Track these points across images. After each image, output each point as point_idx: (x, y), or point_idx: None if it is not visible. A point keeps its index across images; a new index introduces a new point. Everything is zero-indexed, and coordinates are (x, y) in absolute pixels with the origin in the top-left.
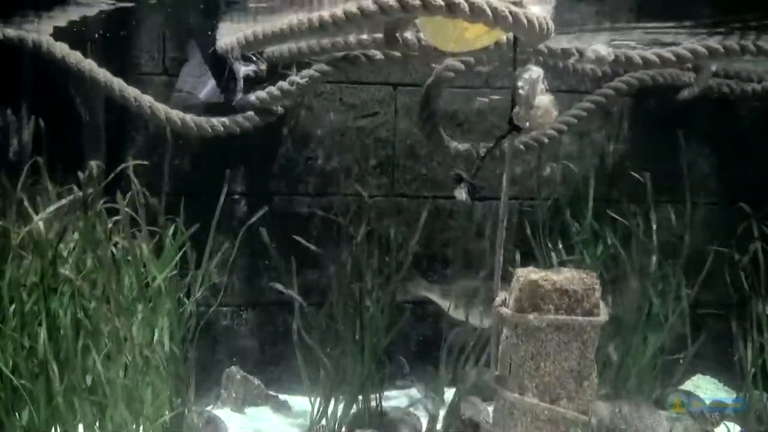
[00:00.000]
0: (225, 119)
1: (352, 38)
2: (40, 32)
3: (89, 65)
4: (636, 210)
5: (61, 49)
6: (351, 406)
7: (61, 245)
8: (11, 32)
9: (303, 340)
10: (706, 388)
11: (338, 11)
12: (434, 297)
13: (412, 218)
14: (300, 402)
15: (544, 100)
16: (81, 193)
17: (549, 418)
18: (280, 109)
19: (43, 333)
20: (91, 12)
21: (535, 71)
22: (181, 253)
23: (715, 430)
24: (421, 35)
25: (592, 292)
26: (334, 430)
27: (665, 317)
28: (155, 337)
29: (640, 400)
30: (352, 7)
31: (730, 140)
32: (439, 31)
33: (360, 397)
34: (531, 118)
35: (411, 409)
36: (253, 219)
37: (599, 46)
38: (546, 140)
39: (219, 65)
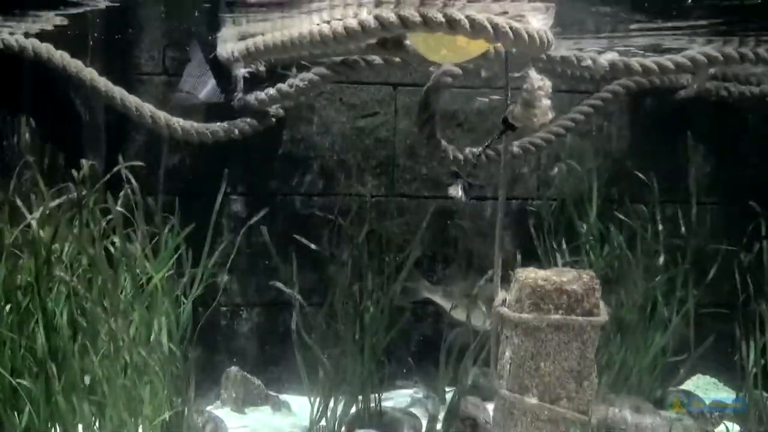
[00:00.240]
0: (225, 124)
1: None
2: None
3: (90, 74)
4: (635, 210)
5: (62, 57)
6: (351, 406)
7: (57, 245)
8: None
9: (303, 340)
10: (706, 388)
11: (339, 26)
12: (436, 298)
13: (412, 218)
14: (300, 402)
15: (542, 101)
16: (75, 193)
17: (549, 418)
18: (280, 111)
19: (40, 333)
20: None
21: (538, 77)
22: (177, 254)
23: (715, 430)
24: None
25: (592, 292)
26: (334, 430)
27: (669, 318)
28: (153, 337)
29: (641, 400)
30: (353, 23)
31: (728, 142)
32: (431, 40)
33: (360, 397)
34: (529, 118)
35: (411, 409)
36: (254, 219)
37: (610, 54)
38: (544, 144)
39: (219, 66)
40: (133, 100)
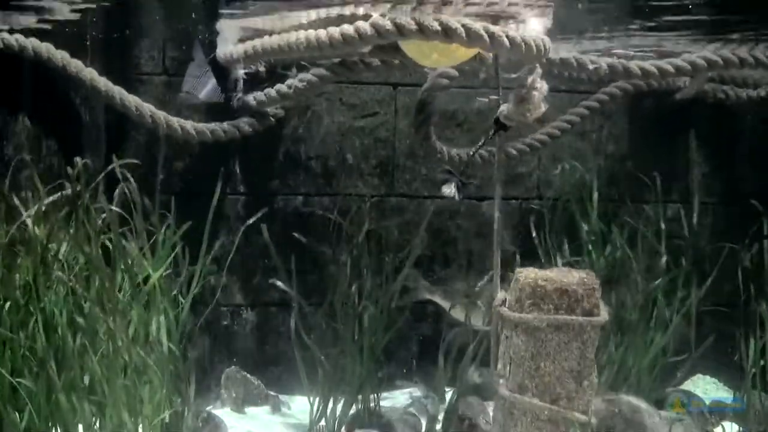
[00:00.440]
0: (225, 124)
1: None
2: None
3: (90, 74)
4: (636, 210)
5: (62, 57)
6: (350, 406)
7: (54, 244)
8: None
9: (302, 340)
10: (706, 388)
11: (335, 32)
12: (435, 298)
13: (412, 218)
14: (300, 402)
15: (535, 96)
16: (69, 190)
17: (549, 418)
18: (280, 111)
19: (40, 332)
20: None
21: (538, 77)
22: (174, 252)
23: (715, 430)
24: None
25: (592, 292)
26: (333, 430)
27: (669, 318)
28: (151, 337)
29: (640, 400)
30: (350, 29)
31: (726, 143)
32: (421, 44)
33: (360, 397)
34: (522, 114)
35: (410, 409)
36: (252, 219)
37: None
38: (539, 145)
39: (219, 66)
40: (132, 100)
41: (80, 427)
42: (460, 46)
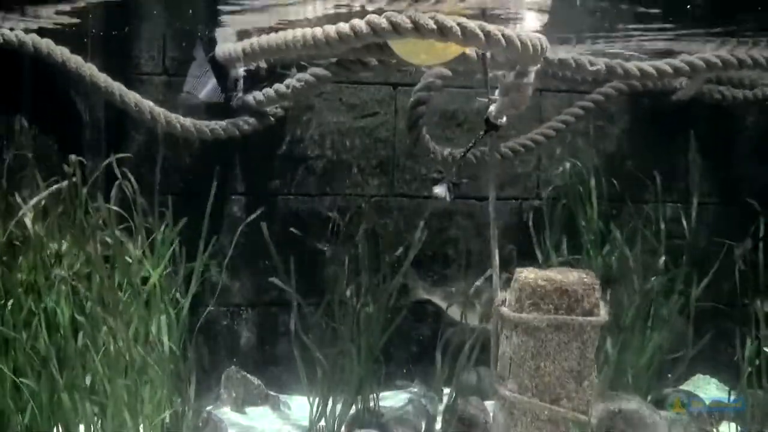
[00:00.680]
0: (225, 122)
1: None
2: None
3: (89, 69)
4: (636, 209)
5: (61, 53)
6: (350, 406)
7: (54, 243)
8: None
9: (301, 340)
10: (706, 388)
11: (332, 31)
12: (433, 298)
13: (412, 218)
14: (300, 402)
15: (521, 85)
16: (65, 182)
17: (549, 418)
18: (279, 111)
19: (42, 330)
20: None
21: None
22: (171, 250)
23: (714, 430)
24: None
25: (592, 292)
26: (333, 430)
27: (667, 317)
28: (151, 336)
29: (640, 399)
30: (345, 28)
31: (722, 143)
32: (409, 42)
33: (359, 397)
34: (513, 104)
35: (410, 409)
36: (250, 218)
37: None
38: (534, 145)
39: (219, 65)
40: (132, 96)
41: (81, 427)
42: (448, 46)
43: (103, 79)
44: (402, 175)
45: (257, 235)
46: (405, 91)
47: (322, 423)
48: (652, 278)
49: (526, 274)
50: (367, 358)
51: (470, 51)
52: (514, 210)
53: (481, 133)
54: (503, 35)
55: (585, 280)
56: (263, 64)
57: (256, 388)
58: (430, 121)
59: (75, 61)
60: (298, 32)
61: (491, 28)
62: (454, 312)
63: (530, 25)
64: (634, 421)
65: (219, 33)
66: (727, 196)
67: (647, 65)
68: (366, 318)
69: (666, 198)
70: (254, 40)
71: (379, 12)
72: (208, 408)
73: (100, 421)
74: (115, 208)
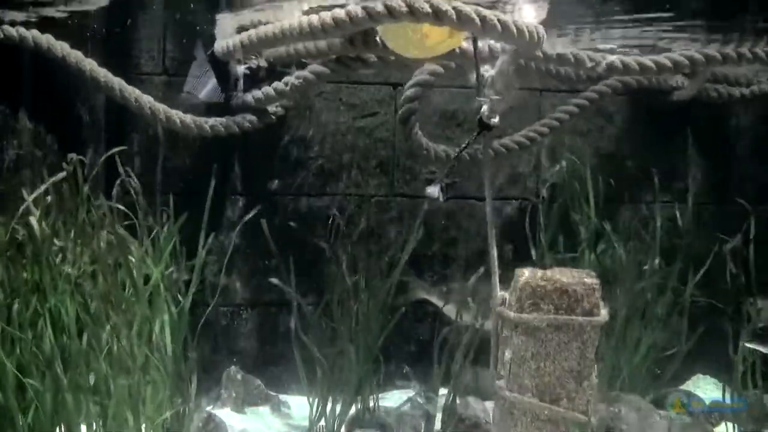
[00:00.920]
0: (224, 119)
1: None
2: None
3: (90, 65)
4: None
5: (62, 48)
6: (349, 406)
7: (57, 240)
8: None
9: (300, 340)
10: (706, 388)
11: (327, 17)
12: (430, 297)
13: (412, 218)
14: (300, 402)
15: (502, 71)
16: (63, 173)
17: (549, 418)
18: (279, 110)
19: (47, 328)
20: None
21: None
22: (170, 247)
23: (714, 430)
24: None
25: (592, 292)
26: (333, 430)
27: (664, 315)
28: (154, 336)
29: (639, 399)
30: (341, 14)
31: (719, 142)
32: (399, 36)
33: (359, 397)
34: (505, 86)
35: (409, 409)
36: (247, 217)
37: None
38: (528, 142)
39: (219, 65)
40: (132, 91)
41: (83, 427)
42: (439, 43)
43: (103, 74)
44: (402, 175)
45: (257, 234)
46: None
47: (322, 423)
48: (646, 276)
49: (527, 274)
50: (366, 358)
51: (465, 45)
52: (510, 209)
53: (475, 133)
54: (499, 21)
55: (585, 280)
56: (263, 63)
57: (256, 388)
58: (430, 121)
59: (75, 56)
60: (295, 20)
61: (487, 13)
62: (450, 311)
63: (528, 15)
64: (634, 421)
65: (218, 29)
66: (724, 195)
67: (647, 59)
68: (365, 317)
69: (663, 197)
70: (252, 32)
71: None
72: (208, 408)
73: (101, 421)
74: (118, 206)
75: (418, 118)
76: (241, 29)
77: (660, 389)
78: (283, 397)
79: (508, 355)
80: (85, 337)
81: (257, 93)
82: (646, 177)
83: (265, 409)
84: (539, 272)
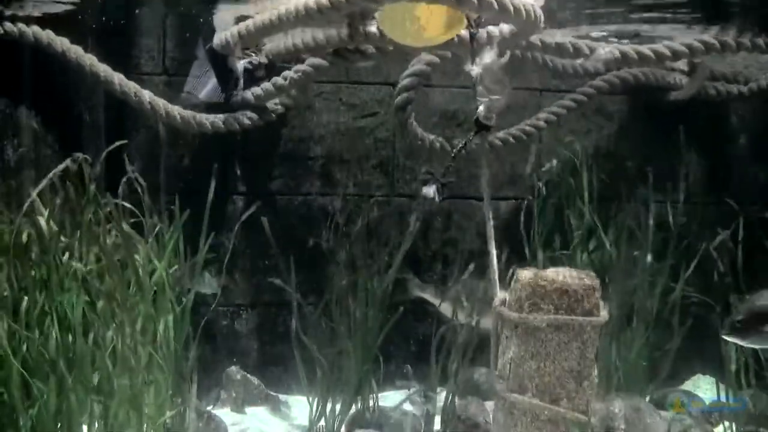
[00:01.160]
0: (224, 116)
1: (344, 33)
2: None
3: (90, 60)
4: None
5: (62, 43)
6: (349, 406)
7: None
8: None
9: (300, 340)
10: (706, 388)
11: None
12: (426, 296)
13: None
14: (300, 402)
15: (494, 68)
16: (63, 165)
17: (549, 418)
18: (279, 107)
19: (55, 327)
20: None
21: (489, 57)
22: (172, 244)
23: (714, 430)
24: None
25: (592, 292)
26: (333, 430)
27: (657, 314)
28: (158, 335)
29: (638, 399)
30: None
31: (717, 140)
32: (397, 25)
33: (359, 397)
34: (499, 81)
35: (408, 408)
36: (245, 215)
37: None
38: (524, 137)
39: (219, 63)
40: (132, 86)
41: (84, 427)
42: (437, 35)
43: (103, 69)
44: (402, 174)
45: (256, 234)
46: None
47: (322, 423)
48: (638, 274)
49: (527, 274)
50: (365, 358)
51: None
52: (504, 207)
53: (472, 134)
54: (497, 0)
55: (585, 280)
56: (263, 60)
57: (256, 388)
58: (430, 121)
59: (75, 51)
60: (291, 5)
61: None
62: (446, 309)
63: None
64: (634, 421)
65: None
66: (719, 194)
67: (646, 48)
68: (361, 315)
69: (657, 195)
70: (249, 22)
71: None
72: (208, 408)
73: (103, 421)
74: (125, 204)
75: (414, 108)
76: (240, 20)
77: (657, 388)
78: (283, 397)
79: (508, 355)
80: (90, 336)
81: (257, 90)
82: (642, 175)
83: (265, 409)
84: (539, 272)
